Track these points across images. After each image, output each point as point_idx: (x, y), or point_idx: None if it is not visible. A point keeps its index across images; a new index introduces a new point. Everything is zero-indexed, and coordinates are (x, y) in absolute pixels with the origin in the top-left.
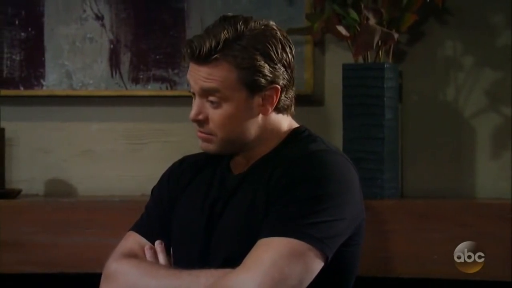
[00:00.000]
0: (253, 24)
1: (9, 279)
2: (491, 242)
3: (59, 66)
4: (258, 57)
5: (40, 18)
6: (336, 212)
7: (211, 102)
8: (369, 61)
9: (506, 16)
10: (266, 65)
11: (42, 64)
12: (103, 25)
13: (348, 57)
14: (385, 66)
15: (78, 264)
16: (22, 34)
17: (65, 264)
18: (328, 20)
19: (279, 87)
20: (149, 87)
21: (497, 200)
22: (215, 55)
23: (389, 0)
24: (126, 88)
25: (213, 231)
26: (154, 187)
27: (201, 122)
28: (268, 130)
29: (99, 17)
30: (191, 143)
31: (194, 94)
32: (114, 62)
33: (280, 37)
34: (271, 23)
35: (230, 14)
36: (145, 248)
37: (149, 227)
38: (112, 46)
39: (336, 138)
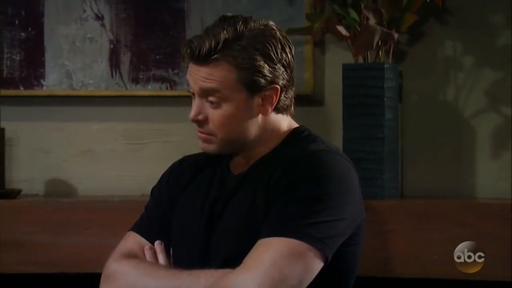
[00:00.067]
0: (252, 24)
1: (9, 279)
2: (491, 242)
3: (59, 66)
4: (258, 57)
5: (40, 18)
6: (336, 212)
7: (211, 102)
8: (369, 61)
9: (506, 16)
10: (266, 65)
11: (42, 64)
12: (103, 25)
13: (348, 57)
14: (385, 66)
15: (78, 264)
16: (22, 34)
17: (65, 264)
18: (328, 20)
19: (278, 87)
20: (149, 87)
21: (497, 200)
22: (215, 55)
23: (389, 0)
24: (126, 88)
25: (213, 231)
26: (154, 187)
27: (201, 122)
28: (268, 130)
29: (99, 17)
30: (191, 143)
31: (193, 94)
32: (114, 62)
33: (280, 37)
34: (271, 23)
35: (229, 14)
36: (145, 249)
37: (149, 227)
38: (112, 46)
39: (336, 138)
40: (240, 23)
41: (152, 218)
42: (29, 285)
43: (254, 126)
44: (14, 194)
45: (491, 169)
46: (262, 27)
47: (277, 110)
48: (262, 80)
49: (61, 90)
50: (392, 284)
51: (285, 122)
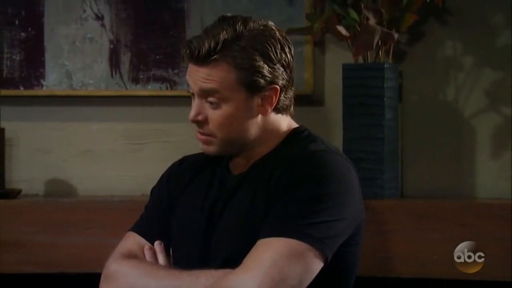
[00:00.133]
0: (252, 24)
1: (9, 279)
2: (491, 242)
3: (59, 66)
4: (257, 58)
5: (40, 18)
6: (336, 212)
7: (211, 102)
8: (369, 61)
9: (506, 16)
10: (265, 65)
11: (42, 64)
12: (103, 25)
13: (348, 57)
14: (385, 66)
15: (78, 264)
16: (22, 34)
17: (65, 264)
18: (328, 20)
19: (278, 87)
20: (149, 87)
21: (497, 200)
22: (214, 56)
23: (389, 0)
24: (126, 88)
25: (213, 231)
26: (154, 187)
27: (201, 123)
28: (267, 130)
29: (99, 17)
30: (191, 143)
31: (193, 94)
32: (114, 62)
33: (279, 37)
34: (270, 23)
35: (229, 14)
36: (145, 249)
37: (148, 227)
38: (112, 46)
39: (336, 138)
40: (239, 24)
41: (152, 218)
42: (29, 285)
43: (254, 126)
44: (14, 194)
45: (491, 169)
46: (262, 27)
47: (277, 110)
48: (262, 81)
49: (61, 90)
50: (392, 284)
51: (284, 122)
